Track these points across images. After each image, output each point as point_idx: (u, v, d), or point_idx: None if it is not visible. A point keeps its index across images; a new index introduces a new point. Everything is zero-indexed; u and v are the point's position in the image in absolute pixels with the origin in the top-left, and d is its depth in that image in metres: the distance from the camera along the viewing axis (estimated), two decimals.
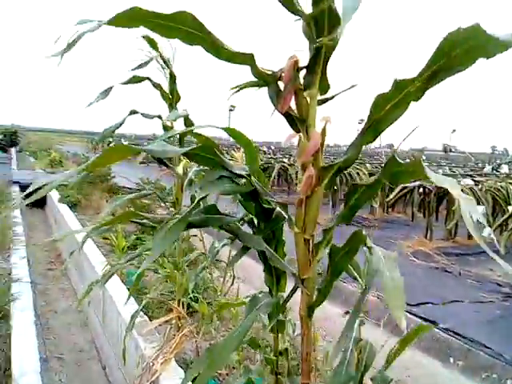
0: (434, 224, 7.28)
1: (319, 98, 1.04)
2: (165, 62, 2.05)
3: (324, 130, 1.02)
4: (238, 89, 1.07)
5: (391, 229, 7.93)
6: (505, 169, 10.11)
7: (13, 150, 24.50)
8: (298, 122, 1.04)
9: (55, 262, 6.20)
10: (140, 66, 2.05)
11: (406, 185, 6.81)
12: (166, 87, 2.03)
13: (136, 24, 0.88)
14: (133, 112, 1.98)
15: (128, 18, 0.86)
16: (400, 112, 0.91)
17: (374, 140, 1.02)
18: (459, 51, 0.77)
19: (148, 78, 1.94)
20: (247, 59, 0.98)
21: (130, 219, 1.14)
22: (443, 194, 7.02)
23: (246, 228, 1.21)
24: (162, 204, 4.82)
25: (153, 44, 1.95)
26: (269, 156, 15.10)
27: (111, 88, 1.95)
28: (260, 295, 1.16)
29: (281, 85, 1.04)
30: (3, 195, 8.33)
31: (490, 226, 6.10)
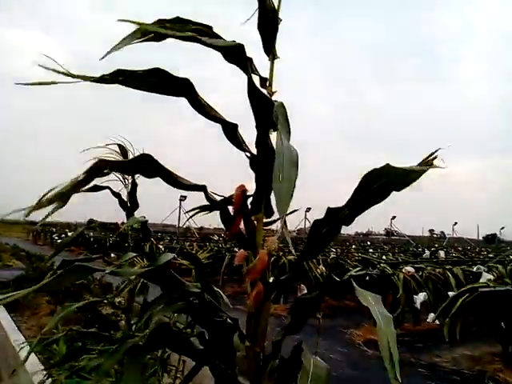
0: None
1: (265, 220, 1.17)
2: None
3: (270, 251, 1.13)
4: (193, 213, 1.19)
5: (342, 317, 7.96)
6: (441, 254, 10.80)
7: None
8: (247, 242, 1.16)
9: None
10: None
11: (352, 273, 7.03)
12: (124, 196, 2.11)
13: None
14: (90, 221, 2.04)
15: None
16: (334, 235, 1.05)
17: (314, 258, 1.14)
18: (376, 186, 0.94)
19: (108, 187, 2.01)
20: (200, 188, 1.12)
21: None
22: (388, 281, 7.28)
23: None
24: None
25: (123, 152, 2.03)
26: (219, 246, 14.99)
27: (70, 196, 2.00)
28: None
29: (230, 209, 1.17)
30: None
31: (433, 312, 6.33)
